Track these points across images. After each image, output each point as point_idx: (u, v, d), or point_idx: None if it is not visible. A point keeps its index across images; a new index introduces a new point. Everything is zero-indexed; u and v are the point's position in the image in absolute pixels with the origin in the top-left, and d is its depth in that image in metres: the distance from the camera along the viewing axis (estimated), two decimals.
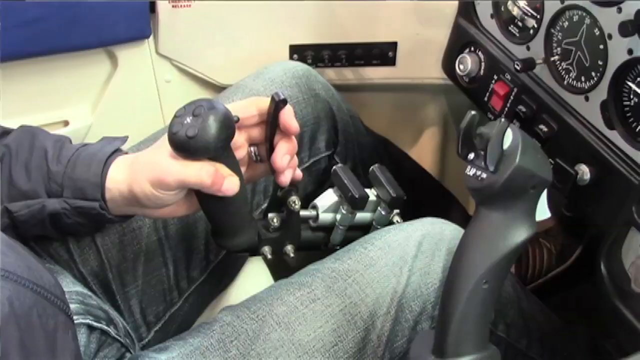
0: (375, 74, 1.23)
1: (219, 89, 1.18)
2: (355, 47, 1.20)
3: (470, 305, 0.57)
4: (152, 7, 1.10)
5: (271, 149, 0.75)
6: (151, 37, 1.13)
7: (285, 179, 0.76)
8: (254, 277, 1.01)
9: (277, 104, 0.72)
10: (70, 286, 0.78)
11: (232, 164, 0.71)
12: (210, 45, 1.17)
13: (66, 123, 1.12)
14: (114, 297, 0.86)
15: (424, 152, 1.41)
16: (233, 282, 1.00)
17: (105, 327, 0.76)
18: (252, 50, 1.17)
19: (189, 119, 0.66)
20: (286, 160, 0.75)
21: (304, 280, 0.79)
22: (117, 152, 0.75)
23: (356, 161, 1.08)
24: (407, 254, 0.80)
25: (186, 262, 0.91)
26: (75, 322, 0.69)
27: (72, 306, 0.70)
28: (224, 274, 0.98)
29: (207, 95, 1.21)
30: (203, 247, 0.92)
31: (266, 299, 0.78)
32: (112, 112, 1.15)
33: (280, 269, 1.01)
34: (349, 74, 1.23)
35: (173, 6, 1.11)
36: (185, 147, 0.66)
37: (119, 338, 0.78)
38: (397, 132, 1.34)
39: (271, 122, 0.74)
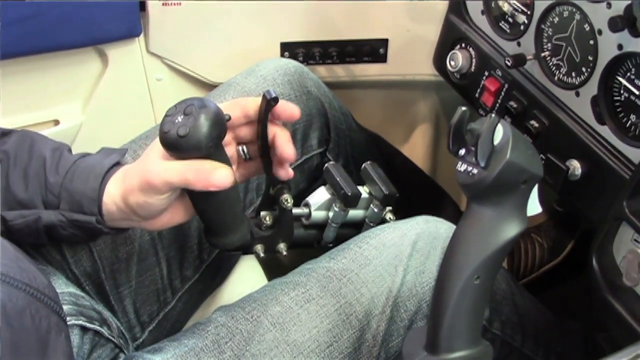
0: (366, 70, 1.23)
1: (210, 87, 1.18)
2: (346, 44, 1.19)
3: (462, 300, 0.57)
4: (142, 6, 1.10)
5: (263, 146, 0.75)
6: (142, 36, 1.13)
7: (285, 172, 0.76)
8: (247, 275, 1.01)
9: (268, 102, 0.72)
10: (63, 287, 0.78)
11: (224, 163, 0.71)
12: (201, 43, 1.16)
13: (56, 122, 1.12)
14: (107, 297, 0.86)
15: (416, 148, 1.41)
16: (226, 281, 1.00)
17: (99, 328, 0.76)
18: (243, 48, 1.17)
19: (180, 118, 0.66)
20: (290, 148, 0.74)
21: (298, 280, 0.79)
22: (115, 165, 0.74)
23: (348, 158, 1.08)
24: (402, 253, 0.80)
25: (179, 262, 0.91)
26: (68, 323, 0.68)
27: (65, 307, 0.70)
28: (217, 272, 0.98)
29: (198, 93, 1.21)
30: (196, 246, 0.92)
31: (261, 299, 0.77)
32: (102, 110, 1.14)
33: (274, 267, 1.01)
34: (340, 71, 1.23)
35: (163, 4, 1.11)
36: (176, 146, 0.66)
37: (112, 339, 0.77)
38: (389, 129, 1.34)
39: (262, 120, 0.74)
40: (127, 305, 0.87)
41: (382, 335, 0.77)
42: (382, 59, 1.21)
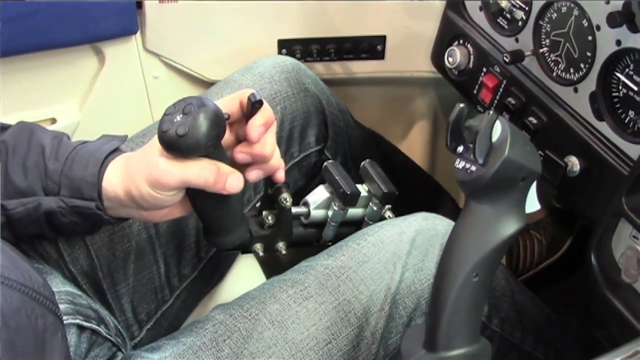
0: (364, 67, 1.23)
1: (208, 84, 1.17)
2: (344, 41, 1.19)
3: (460, 298, 0.57)
4: (139, 4, 1.10)
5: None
6: (138, 33, 1.12)
7: (280, 175, 0.75)
8: (245, 273, 1.01)
9: (253, 105, 0.71)
10: (60, 286, 0.78)
11: (224, 162, 0.70)
12: (198, 41, 1.16)
13: (53, 120, 1.11)
14: (104, 296, 0.86)
15: (414, 145, 1.41)
16: (224, 279, 1.00)
17: (96, 327, 0.76)
18: (240, 45, 1.17)
19: (179, 117, 0.65)
20: (258, 132, 0.70)
21: (296, 278, 0.78)
22: (115, 151, 0.73)
23: (346, 155, 1.08)
24: (401, 250, 0.80)
25: (177, 260, 0.91)
26: (65, 322, 0.68)
27: (62, 306, 0.70)
28: (215, 271, 0.97)
29: (195, 91, 1.21)
30: (194, 244, 0.91)
31: (259, 297, 0.77)
32: (100, 108, 1.14)
33: (272, 265, 1.01)
34: (337, 68, 1.23)
35: (160, 1, 1.10)
36: (175, 145, 0.65)
37: (110, 337, 0.77)
38: (387, 126, 1.34)
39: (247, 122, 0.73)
40: (124, 303, 0.87)
41: (381, 333, 0.77)
42: (380, 55, 1.21)
